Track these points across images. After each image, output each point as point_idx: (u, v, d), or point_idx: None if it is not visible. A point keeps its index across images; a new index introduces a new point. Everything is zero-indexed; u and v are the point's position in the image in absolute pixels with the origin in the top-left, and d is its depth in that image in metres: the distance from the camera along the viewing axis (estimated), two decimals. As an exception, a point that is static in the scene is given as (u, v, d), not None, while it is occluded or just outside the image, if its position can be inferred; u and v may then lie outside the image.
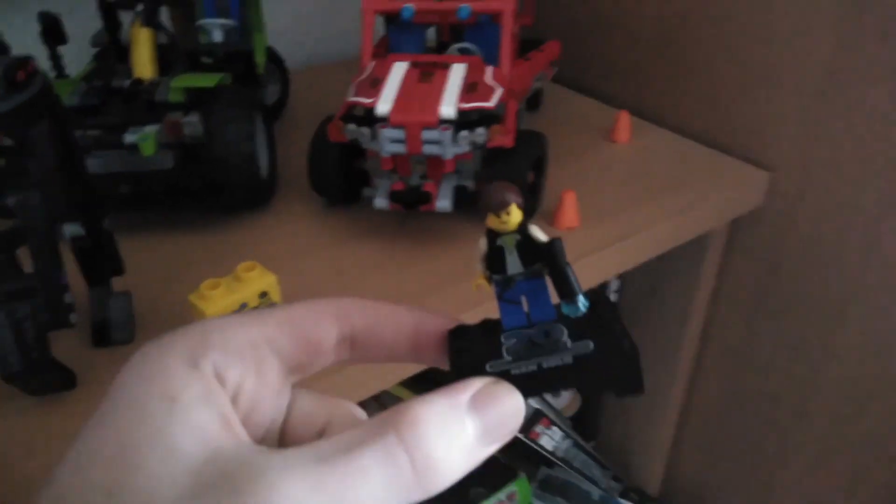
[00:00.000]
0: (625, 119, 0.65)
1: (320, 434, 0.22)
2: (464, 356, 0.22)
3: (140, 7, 0.57)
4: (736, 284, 0.69)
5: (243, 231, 0.53)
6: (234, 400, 0.19)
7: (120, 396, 0.18)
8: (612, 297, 0.81)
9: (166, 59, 0.56)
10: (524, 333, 0.21)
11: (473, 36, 0.58)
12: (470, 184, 0.51)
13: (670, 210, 0.56)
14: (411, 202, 0.49)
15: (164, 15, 0.60)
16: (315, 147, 0.53)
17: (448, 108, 0.47)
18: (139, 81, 0.52)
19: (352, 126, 0.48)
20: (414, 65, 0.52)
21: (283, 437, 0.22)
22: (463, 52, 0.58)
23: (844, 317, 0.61)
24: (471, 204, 0.51)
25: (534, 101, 0.71)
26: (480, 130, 0.48)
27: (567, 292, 0.21)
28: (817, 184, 0.60)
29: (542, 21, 0.75)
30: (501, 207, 0.20)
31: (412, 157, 0.49)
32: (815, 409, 0.66)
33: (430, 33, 0.63)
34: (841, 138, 0.57)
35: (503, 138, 0.48)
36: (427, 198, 0.49)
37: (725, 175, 0.61)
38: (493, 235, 0.21)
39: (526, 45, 0.67)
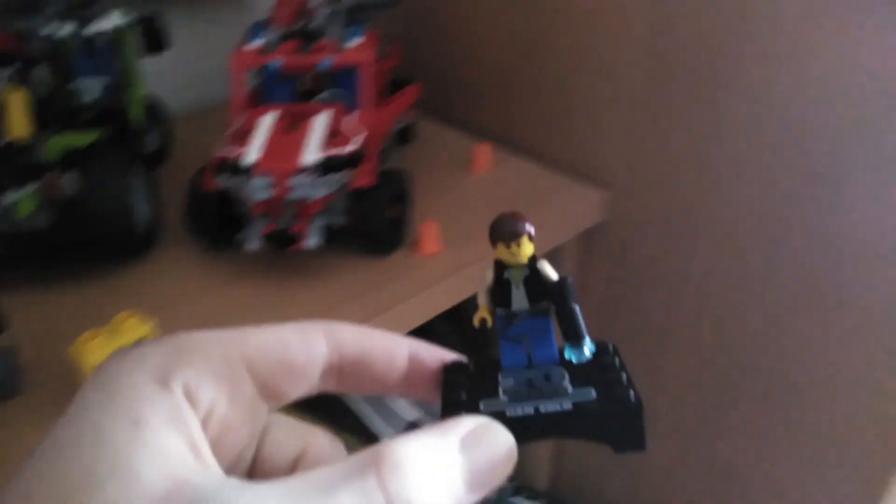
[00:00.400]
0: (484, 151, 0.72)
1: (294, 464, 0.21)
2: (456, 392, 0.20)
3: (12, 67, 0.59)
4: (592, 294, 0.78)
5: (127, 280, 0.57)
6: (205, 423, 0.17)
7: (79, 415, 0.16)
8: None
9: (43, 116, 0.58)
10: (523, 374, 0.20)
11: (341, 81, 0.64)
12: (338, 221, 0.57)
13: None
14: (282, 243, 0.54)
15: (40, 70, 0.63)
16: (191, 195, 0.57)
17: (311, 155, 0.52)
18: (14, 143, 0.55)
19: (223, 176, 0.53)
20: (282, 115, 0.57)
21: (254, 466, 0.21)
22: (329, 98, 0.63)
23: (674, 322, 0.70)
24: (340, 240, 0.56)
25: (405, 136, 0.77)
26: (342, 173, 0.53)
27: (573, 335, 0.20)
28: (644, 197, 0.68)
29: (411, 57, 0.81)
30: (513, 238, 0.19)
31: (282, 201, 0.54)
32: (663, 403, 0.75)
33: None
34: (663, 155, 0.66)
35: (363, 180, 0.54)
36: (296, 238, 0.54)
37: (567, 195, 0.69)
38: (500, 267, 0.20)
39: (396, 84, 0.74)
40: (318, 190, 0.52)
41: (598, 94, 0.69)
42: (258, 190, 0.52)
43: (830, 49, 0.53)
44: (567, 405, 0.19)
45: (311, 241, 0.54)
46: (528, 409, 0.19)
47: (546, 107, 0.74)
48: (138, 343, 0.18)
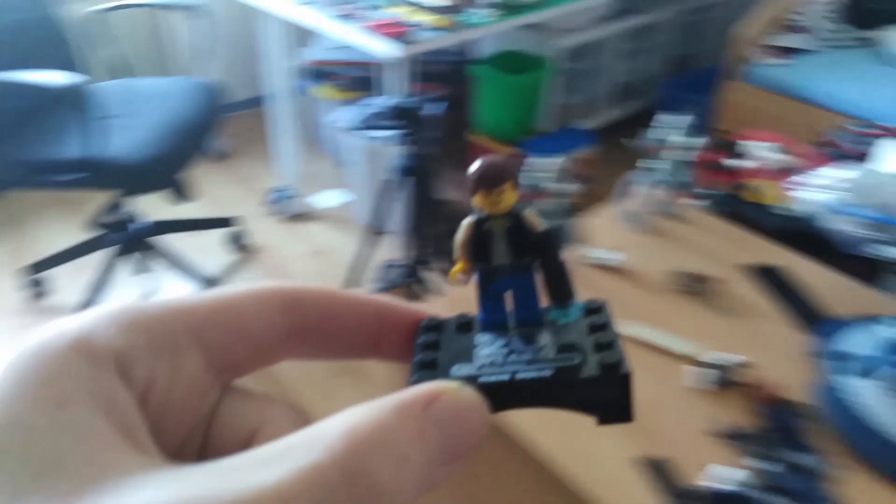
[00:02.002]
0: None
1: (249, 441, 0.18)
2: (428, 355, 0.18)
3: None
4: None
5: None
6: (143, 402, 0.16)
7: None
8: None
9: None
10: (503, 336, 0.18)
11: None
12: None
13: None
14: None
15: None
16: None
17: None
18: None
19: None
20: None
21: (207, 444, 0.18)
22: None
23: None
24: None
25: None
26: None
27: (559, 294, 0.18)
28: None
29: None
30: (494, 184, 0.17)
31: None
32: None
33: None
34: None
35: None
36: None
37: None
38: (480, 218, 0.18)
39: None
40: None
41: None
42: None
43: None
44: (547, 371, 0.17)
45: None
46: (504, 376, 0.17)
47: None
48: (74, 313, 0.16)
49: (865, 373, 0.80)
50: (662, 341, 0.88)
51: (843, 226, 0.97)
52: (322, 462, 0.13)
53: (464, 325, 0.20)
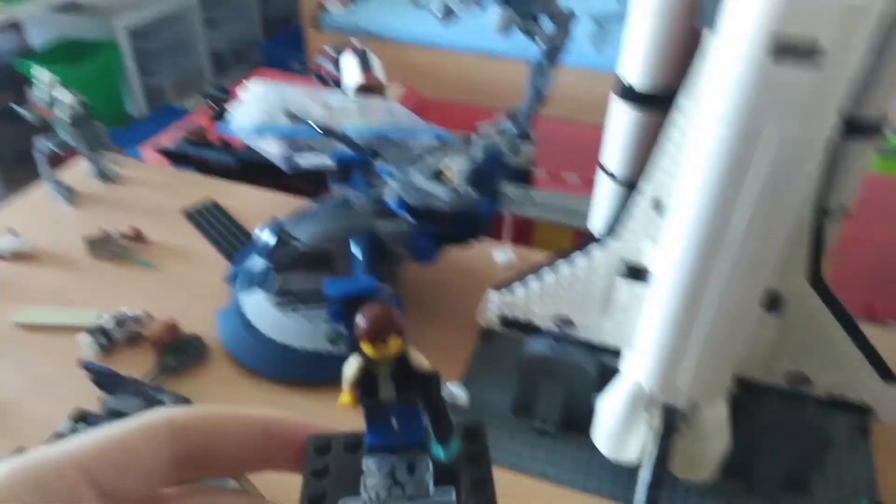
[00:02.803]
0: None
1: None
2: (316, 487, 0.20)
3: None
4: None
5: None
6: None
7: None
8: None
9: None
10: (388, 462, 0.19)
11: None
12: None
13: None
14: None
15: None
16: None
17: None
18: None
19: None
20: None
21: None
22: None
23: None
24: None
25: None
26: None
27: (440, 434, 0.19)
28: None
29: None
30: (383, 338, 0.17)
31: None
32: None
33: None
34: None
35: None
36: None
37: None
38: (367, 361, 0.18)
39: None
40: None
41: None
42: None
43: None
44: None
45: None
46: None
47: None
48: None
49: (252, 284, 0.80)
50: (59, 319, 0.79)
51: (266, 146, 0.97)
52: None
53: (352, 445, 0.20)
